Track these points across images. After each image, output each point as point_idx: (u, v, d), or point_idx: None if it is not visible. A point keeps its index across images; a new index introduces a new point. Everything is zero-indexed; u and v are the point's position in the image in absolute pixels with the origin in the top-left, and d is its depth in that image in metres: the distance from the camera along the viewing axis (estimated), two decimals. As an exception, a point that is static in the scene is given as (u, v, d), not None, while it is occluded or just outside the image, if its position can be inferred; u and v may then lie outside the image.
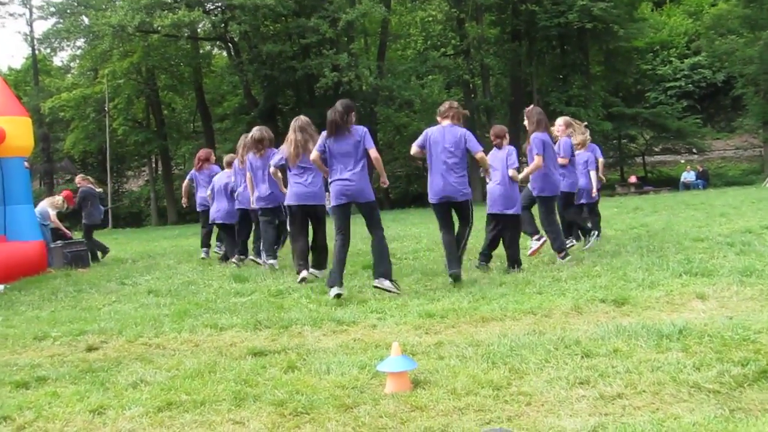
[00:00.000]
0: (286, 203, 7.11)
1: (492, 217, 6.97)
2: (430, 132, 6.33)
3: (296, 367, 3.81)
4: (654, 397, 2.99)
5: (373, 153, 5.96)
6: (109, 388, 3.70)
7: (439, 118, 6.44)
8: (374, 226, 6.00)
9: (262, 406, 3.22)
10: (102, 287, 7.60)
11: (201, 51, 29.58)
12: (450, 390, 3.24)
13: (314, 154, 6.12)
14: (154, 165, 33.97)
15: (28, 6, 29.54)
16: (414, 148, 6.40)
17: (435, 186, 6.26)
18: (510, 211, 6.80)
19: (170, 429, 3.08)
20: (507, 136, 7.14)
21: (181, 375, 3.82)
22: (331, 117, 5.95)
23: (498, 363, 3.59)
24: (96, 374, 4.00)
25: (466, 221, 6.42)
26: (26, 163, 9.56)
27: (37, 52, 30.69)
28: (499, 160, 6.89)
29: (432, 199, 6.33)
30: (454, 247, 6.29)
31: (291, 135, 6.91)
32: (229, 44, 26.43)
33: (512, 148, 6.99)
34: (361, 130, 6.01)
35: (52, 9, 25.73)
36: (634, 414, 2.84)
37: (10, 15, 40.00)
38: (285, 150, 6.98)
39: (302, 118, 7.08)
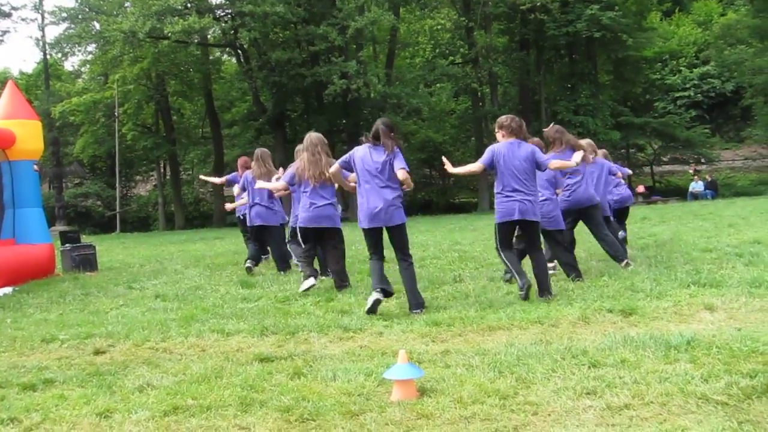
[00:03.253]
0: (299, 225, 6.70)
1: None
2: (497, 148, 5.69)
3: (302, 374, 3.82)
4: (661, 409, 2.98)
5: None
6: (116, 391, 3.72)
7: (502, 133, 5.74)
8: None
9: (268, 412, 3.23)
10: (109, 291, 7.63)
11: (211, 57, 29.70)
12: (456, 399, 3.24)
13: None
14: (162, 170, 34.10)
15: (40, 11, 29.72)
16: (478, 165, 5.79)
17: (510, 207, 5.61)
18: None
19: (176, 434, 3.09)
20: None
21: (187, 380, 3.83)
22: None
23: (505, 372, 3.58)
24: (103, 377, 4.02)
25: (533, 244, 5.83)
26: (35, 167, 9.62)
27: (48, 56, 30.87)
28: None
29: (505, 218, 5.65)
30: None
31: (304, 153, 6.58)
32: (239, 51, 26.53)
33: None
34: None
35: (64, 14, 25.90)
36: (642, 425, 2.83)
37: (23, 20, 40.45)
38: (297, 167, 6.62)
39: (314, 135, 6.67)
